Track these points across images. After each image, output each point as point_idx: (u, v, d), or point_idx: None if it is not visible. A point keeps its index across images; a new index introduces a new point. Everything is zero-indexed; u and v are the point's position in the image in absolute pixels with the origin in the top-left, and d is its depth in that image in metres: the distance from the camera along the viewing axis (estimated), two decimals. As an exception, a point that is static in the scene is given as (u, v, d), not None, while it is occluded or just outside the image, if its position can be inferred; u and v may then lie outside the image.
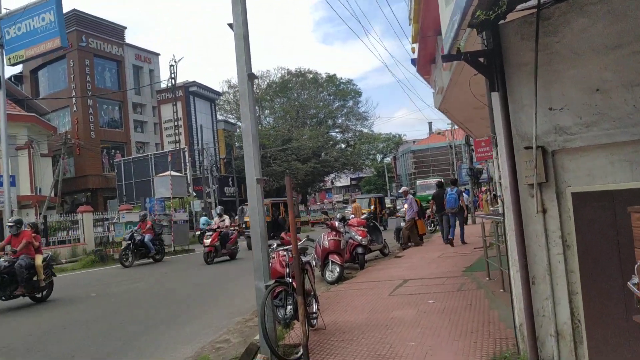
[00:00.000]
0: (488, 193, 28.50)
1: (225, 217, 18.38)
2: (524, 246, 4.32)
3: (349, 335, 6.16)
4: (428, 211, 23.00)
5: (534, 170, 4.26)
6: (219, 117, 56.07)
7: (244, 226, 24.95)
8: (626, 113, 3.97)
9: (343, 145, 62.39)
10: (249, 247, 21.01)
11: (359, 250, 12.52)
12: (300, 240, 6.60)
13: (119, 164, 38.59)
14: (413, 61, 10.27)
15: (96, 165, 42.97)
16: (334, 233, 11.42)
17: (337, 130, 62.26)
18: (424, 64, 9.25)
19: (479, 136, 16.91)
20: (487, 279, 8.77)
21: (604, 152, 4.07)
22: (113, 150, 45.65)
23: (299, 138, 53.06)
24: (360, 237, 12.62)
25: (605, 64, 4.02)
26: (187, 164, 36.22)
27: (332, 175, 66.19)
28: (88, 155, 42.28)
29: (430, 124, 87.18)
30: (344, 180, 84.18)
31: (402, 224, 17.32)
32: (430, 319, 6.53)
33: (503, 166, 4.50)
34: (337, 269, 10.97)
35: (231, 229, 18.08)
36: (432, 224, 24.23)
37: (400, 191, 19.42)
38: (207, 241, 16.66)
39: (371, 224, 15.36)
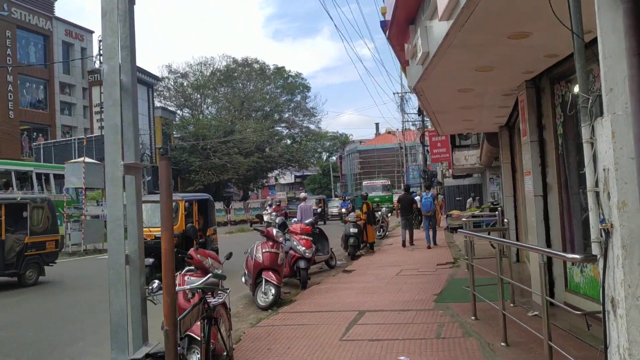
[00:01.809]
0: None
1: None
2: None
3: None
4: (379, 213, 21.03)
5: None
6: (157, 104, 52.33)
7: None
8: None
9: (289, 141, 59.89)
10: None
11: (302, 264, 10.04)
12: (205, 275, 4.11)
13: (39, 148, 34.63)
14: (383, 25, 7.90)
15: (14, 148, 38.52)
16: (271, 244, 8.91)
17: (283, 125, 59.68)
18: (400, 26, 6.89)
19: (447, 132, 14.83)
20: (473, 318, 6.48)
21: None
22: (35, 133, 41.30)
23: (242, 130, 50.10)
24: (304, 248, 10.15)
25: None
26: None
27: (276, 172, 63.54)
28: (5, 138, 37.90)
29: (377, 124, 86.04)
30: (288, 178, 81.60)
31: (352, 230, 15.00)
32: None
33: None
34: (273, 291, 8.47)
35: None
36: (382, 229, 22.16)
37: (300, 196, 17.42)
38: None
39: (317, 230, 12.95)
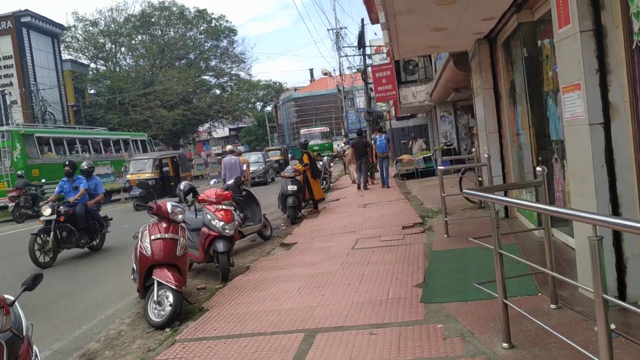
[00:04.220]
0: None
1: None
2: None
3: None
4: (320, 164, 18.36)
5: None
6: (66, 57, 46.52)
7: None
8: None
9: (217, 91, 55.49)
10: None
11: (220, 246, 6.97)
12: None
13: None
14: None
15: None
16: (164, 225, 5.84)
17: (210, 74, 54.98)
18: None
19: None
20: (506, 345, 3.70)
21: None
22: None
23: (164, 81, 45.42)
24: (222, 223, 7.07)
25: None
26: (8, 110, 28.01)
27: (207, 125, 59.24)
28: None
29: (311, 70, 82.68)
30: (221, 132, 77.26)
31: (290, 187, 12.06)
32: None
33: None
34: (170, 299, 5.46)
35: None
36: (324, 182, 19.41)
37: (227, 149, 15.12)
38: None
39: (243, 193, 9.91)
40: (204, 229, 7.15)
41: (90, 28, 48.86)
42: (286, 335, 4.47)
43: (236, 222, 7.37)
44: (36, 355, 3.31)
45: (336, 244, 8.34)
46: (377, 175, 18.03)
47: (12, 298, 2.94)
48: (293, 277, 6.49)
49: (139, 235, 5.89)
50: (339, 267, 6.68)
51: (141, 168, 20.49)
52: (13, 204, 19.20)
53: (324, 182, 19.39)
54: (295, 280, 6.31)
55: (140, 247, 5.74)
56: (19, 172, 20.43)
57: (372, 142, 18.14)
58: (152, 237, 5.70)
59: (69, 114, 43.34)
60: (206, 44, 54.14)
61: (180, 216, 5.98)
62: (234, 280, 6.81)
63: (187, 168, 22.95)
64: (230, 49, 55.50)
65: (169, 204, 5.96)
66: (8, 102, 31.83)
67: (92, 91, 47.46)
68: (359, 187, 16.85)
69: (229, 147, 16.39)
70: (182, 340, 4.75)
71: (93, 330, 5.72)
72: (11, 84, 37.67)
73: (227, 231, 7.05)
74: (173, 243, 5.73)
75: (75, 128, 31.17)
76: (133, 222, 13.79)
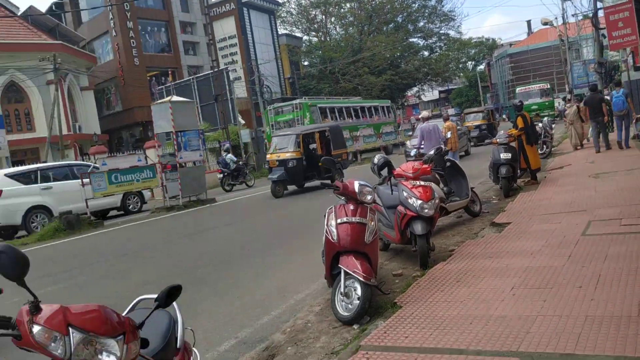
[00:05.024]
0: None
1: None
2: None
3: None
4: (539, 126, 16.37)
5: None
6: (281, 31, 49.36)
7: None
8: None
9: (426, 53, 53.85)
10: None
11: (418, 228, 6.10)
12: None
13: (161, 92, 33.71)
14: None
15: (144, 95, 38.19)
16: (352, 208, 5.16)
17: (418, 35, 53.56)
18: None
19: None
20: None
21: None
22: (163, 78, 40.79)
23: (372, 48, 45.41)
24: (420, 202, 6.18)
25: None
26: (231, 86, 30.50)
27: (416, 89, 58.15)
28: (133, 85, 37.74)
29: (529, 22, 75.70)
30: (430, 95, 75.50)
31: (503, 155, 10.60)
32: None
33: None
34: (359, 291, 4.79)
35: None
36: (545, 146, 17.21)
37: (419, 116, 13.45)
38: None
39: (447, 164, 8.85)
40: (400, 208, 6.34)
41: (303, 1, 50.95)
42: (494, 359, 3.46)
43: (437, 201, 6.39)
44: None
45: (560, 226, 6.85)
46: (613, 137, 15.43)
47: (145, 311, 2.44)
48: (505, 271, 5.34)
49: (326, 216, 5.33)
50: (565, 261, 5.32)
51: (283, 146, 16.77)
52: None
53: (544, 146, 17.21)
54: (507, 276, 5.17)
55: (326, 230, 5.16)
56: (226, 146, 23.73)
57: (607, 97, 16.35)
58: (339, 221, 5.07)
59: (285, 86, 46.09)
60: (414, 4, 52.64)
61: (369, 197, 5.24)
62: (434, 268, 5.90)
63: (341, 144, 18.58)
64: (438, 8, 53.26)
65: (356, 183, 5.25)
66: (231, 78, 34.72)
67: (306, 63, 49.70)
68: (598, 151, 15.03)
69: (424, 112, 14.43)
70: (367, 347, 4.03)
71: (281, 318, 5.36)
72: (235, 61, 41.20)
73: (426, 211, 6.14)
74: (361, 228, 5.03)
75: (340, 99, 35.67)
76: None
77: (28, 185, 14.41)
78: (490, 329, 3.95)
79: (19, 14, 34.09)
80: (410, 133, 29.57)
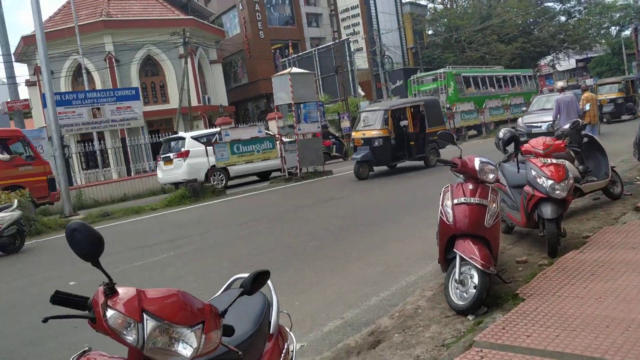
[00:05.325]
0: None
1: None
2: None
3: None
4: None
5: None
6: (405, 0, 47.93)
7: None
8: None
9: (563, 18, 49.52)
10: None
11: (547, 211, 5.46)
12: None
13: (284, 64, 34.29)
14: None
15: (268, 68, 39.11)
16: (471, 187, 4.69)
17: (553, -2, 49.35)
18: None
19: None
20: None
21: None
22: (286, 51, 41.47)
23: (502, 14, 42.66)
24: (551, 182, 5.51)
25: None
26: (352, 57, 30.21)
27: (550, 58, 53.95)
28: (259, 58, 38.82)
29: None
30: (566, 64, 69.68)
31: (653, 130, 9.31)
32: None
33: None
34: (475, 279, 4.36)
35: None
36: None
37: (557, 87, 11.90)
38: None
39: (585, 139, 7.93)
40: (527, 188, 5.73)
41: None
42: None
43: (570, 181, 5.68)
44: (288, 350, 2.69)
45: None
46: None
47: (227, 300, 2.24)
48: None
49: (441, 195, 4.91)
50: None
51: (370, 123, 14.89)
52: None
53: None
54: (654, 271, 4.44)
55: (441, 211, 4.75)
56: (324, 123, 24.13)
57: None
58: (455, 201, 4.64)
59: (408, 56, 44.91)
60: (550, -36, 48.60)
61: (491, 175, 4.73)
62: (565, 257, 5.26)
63: (438, 120, 16.08)
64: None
65: (477, 160, 4.75)
66: (352, 49, 34.41)
67: (430, 32, 47.97)
68: None
69: (559, 83, 13.00)
70: (482, 343, 3.63)
71: (390, 300, 5.08)
72: (357, 32, 40.79)
73: (557, 192, 5.47)
74: (481, 210, 4.55)
75: (482, 67, 35.33)
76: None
77: (210, 147, 15.93)
78: (633, 336, 3.37)
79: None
80: (524, 109, 26.76)
